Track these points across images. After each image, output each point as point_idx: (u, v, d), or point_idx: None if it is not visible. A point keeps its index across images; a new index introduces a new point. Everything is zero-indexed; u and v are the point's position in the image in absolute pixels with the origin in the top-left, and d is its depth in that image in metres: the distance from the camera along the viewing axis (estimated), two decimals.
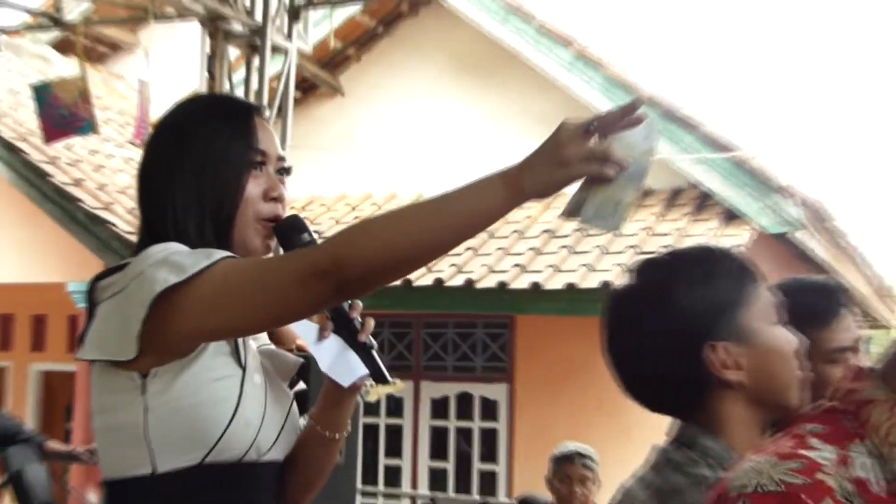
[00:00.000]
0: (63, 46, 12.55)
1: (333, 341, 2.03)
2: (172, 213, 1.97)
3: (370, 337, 2.03)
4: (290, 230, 2.05)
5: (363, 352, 2.02)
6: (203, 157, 1.99)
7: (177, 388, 1.85)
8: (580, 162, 1.64)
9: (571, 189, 1.75)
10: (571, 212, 1.74)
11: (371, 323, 2.04)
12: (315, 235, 2.07)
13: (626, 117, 1.68)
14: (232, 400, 1.88)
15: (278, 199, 2.04)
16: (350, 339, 2.03)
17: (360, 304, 2.05)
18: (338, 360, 2.04)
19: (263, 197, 2.01)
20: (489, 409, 10.68)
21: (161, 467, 1.85)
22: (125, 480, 1.90)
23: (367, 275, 1.73)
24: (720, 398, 1.87)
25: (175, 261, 1.80)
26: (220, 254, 1.82)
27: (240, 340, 1.94)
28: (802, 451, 1.11)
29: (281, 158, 2.08)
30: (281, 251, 2.06)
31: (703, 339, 1.85)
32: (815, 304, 2.32)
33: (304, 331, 2.05)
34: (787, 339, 1.89)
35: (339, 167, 11.58)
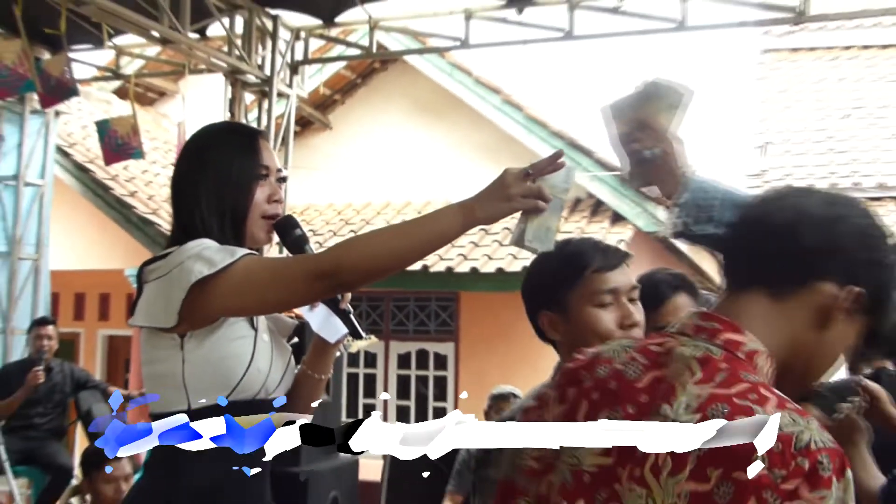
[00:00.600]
0: (121, 93, 12.44)
1: (321, 309, 2.09)
2: (200, 213, 1.98)
3: (348, 305, 2.07)
4: (286, 226, 2.08)
5: (343, 316, 2.07)
6: (223, 172, 2.00)
7: (206, 346, 1.89)
8: (520, 198, 1.69)
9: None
10: (517, 241, 1.78)
11: (348, 294, 2.06)
12: (305, 230, 2.12)
13: (552, 164, 1.73)
14: (247, 354, 1.92)
15: (278, 202, 2.07)
16: (333, 307, 2.06)
17: None
18: (325, 323, 2.11)
19: (267, 200, 2.04)
20: (440, 361, 10.68)
21: (194, 404, 1.89)
22: (167, 414, 1.87)
23: (357, 278, 1.80)
24: (561, 345, 2.05)
25: (207, 256, 1.82)
26: (241, 252, 1.85)
27: None
28: (796, 405, 1.08)
29: (279, 170, 2.10)
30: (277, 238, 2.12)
31: (542, 306, 2.05)
32: (649, 291, 2.29)
33: None
34: (600, 318, 1.97)
35: (328, 183, 11.51)
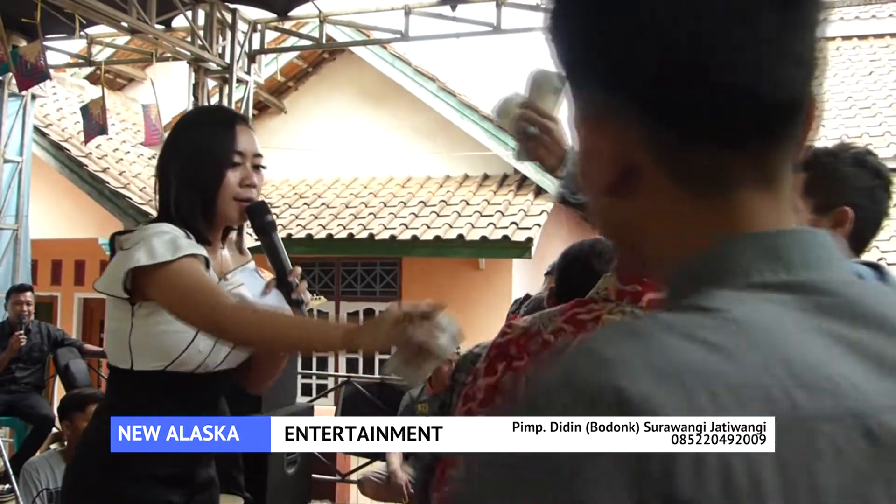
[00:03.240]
0: (93, 79, 12.22)
1: (274, 295, 1.96)
2: (173, 191, 1.90)
3: (301, 295, 1.96)
4: (258, 211, 1.96)
5: (295, 305, 1.96)
6: (195, 154, 1.91)
7: (154, 317, 1.82)
8: (389, 339, 1.56)
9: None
10: (387, 369, 1.67)
11: (304, 284, 1.97)
12: (274, 218, 2.01)
13: (426, 318, 1.57)
14: (190, 333, 1.82)
15: (251, 186, 1.94)
16: (287, 296, 1.96)
17: (298, 269, 1.98)
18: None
19: (240, 184, 1.91)
20: None
21: (136, 366, 1.85)
22: (117, 368, 1.89)
23: (239, 343, 1.82)
24: None
25: (152, 245, 1.76)
26: (183, 251, 1.77)
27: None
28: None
29: (257, 156, 1.96)
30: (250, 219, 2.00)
31: None
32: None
33: (252, 285, 1.99)
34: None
35: (283, 161, 11.37)
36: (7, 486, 5.64)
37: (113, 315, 1.89)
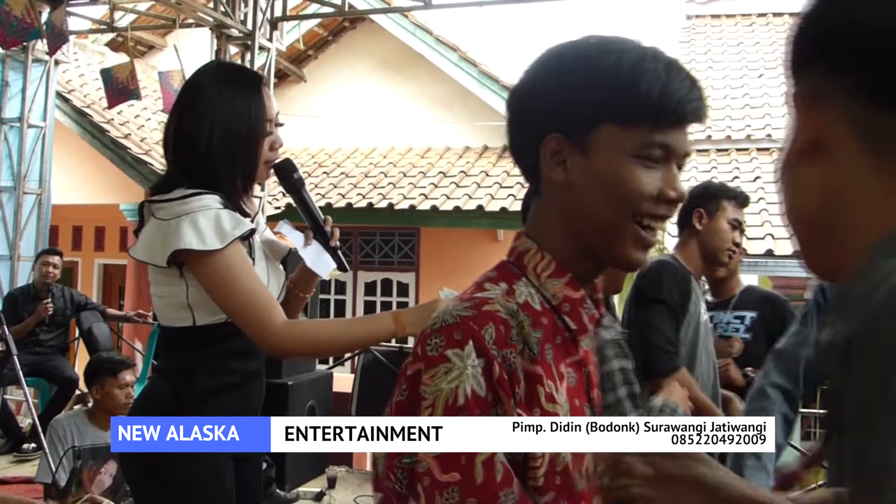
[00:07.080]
0: (114, 45, 12.27)
1: (314, 246, 2.09)
2: (205, 157, 1.88)
3: (337, 241, 2.09)
4: (285, 170, 2.06)
5: (332, 251, 2.09)
6: (236, 125, 1.90)
7: None
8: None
9: None
10: None
11: (337, 232, 2.09)
12: (301, 174, 2.10)
13: None
14: None
15: (279, 147, 2.02)
16: (325, 244, 2.08)
17: (330, 219, 2.10)
18: (317, 259, 2.10)
19: (270, 148, 1.98)
20: (403, 289, 10.75)
21: (199, 322, 1.88)
22: (176, 328, 1.91)
23: (298, 354, 2.06)
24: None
25: (201, 226, 1.81)
26: (231, 235, 1.82)
27: (249, 239, 1.92)
28: (476, 294, 1.00)
29: (277, 115, 2.03)
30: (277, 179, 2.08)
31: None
32: None
33: (294, 238, 2.09)
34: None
35: (303, 129, 11.42)
36: (33, 444, 5.75)
37: (161, 282, 1.91)
